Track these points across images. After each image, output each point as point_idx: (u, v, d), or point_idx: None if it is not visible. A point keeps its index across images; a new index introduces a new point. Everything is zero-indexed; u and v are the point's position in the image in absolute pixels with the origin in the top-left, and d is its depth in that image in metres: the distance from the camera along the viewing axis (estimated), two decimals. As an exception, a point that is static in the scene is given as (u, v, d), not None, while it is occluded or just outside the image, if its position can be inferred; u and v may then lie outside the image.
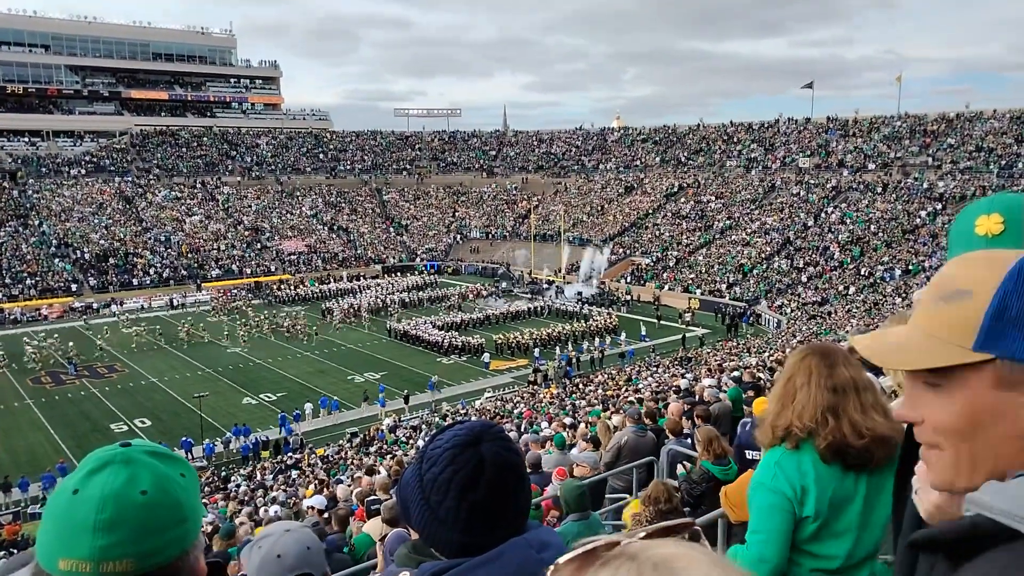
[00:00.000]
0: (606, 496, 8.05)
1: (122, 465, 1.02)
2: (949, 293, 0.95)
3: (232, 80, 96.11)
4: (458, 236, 74.23)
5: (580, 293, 52.11)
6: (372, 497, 9.21)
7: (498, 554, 1.21)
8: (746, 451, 5.72)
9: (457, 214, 78.39)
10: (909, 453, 1.59)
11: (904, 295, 39.53)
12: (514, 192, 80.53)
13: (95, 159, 72.49)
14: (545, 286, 56.00)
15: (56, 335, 43.08)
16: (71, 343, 40.00)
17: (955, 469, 0.96)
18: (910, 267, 44.11)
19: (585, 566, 0.70)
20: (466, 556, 1.23)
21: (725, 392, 10.18)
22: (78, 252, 57.60)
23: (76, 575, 0.95)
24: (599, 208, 70.45)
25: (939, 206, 49.42)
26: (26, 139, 76.45)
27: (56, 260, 56.27)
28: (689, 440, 6.97)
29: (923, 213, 49.40)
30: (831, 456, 2.25)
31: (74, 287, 53.76)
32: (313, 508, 9.73)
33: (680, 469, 6.55)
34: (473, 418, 26.34)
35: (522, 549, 1.23)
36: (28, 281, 52.84)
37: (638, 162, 76.86)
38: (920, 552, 0.91)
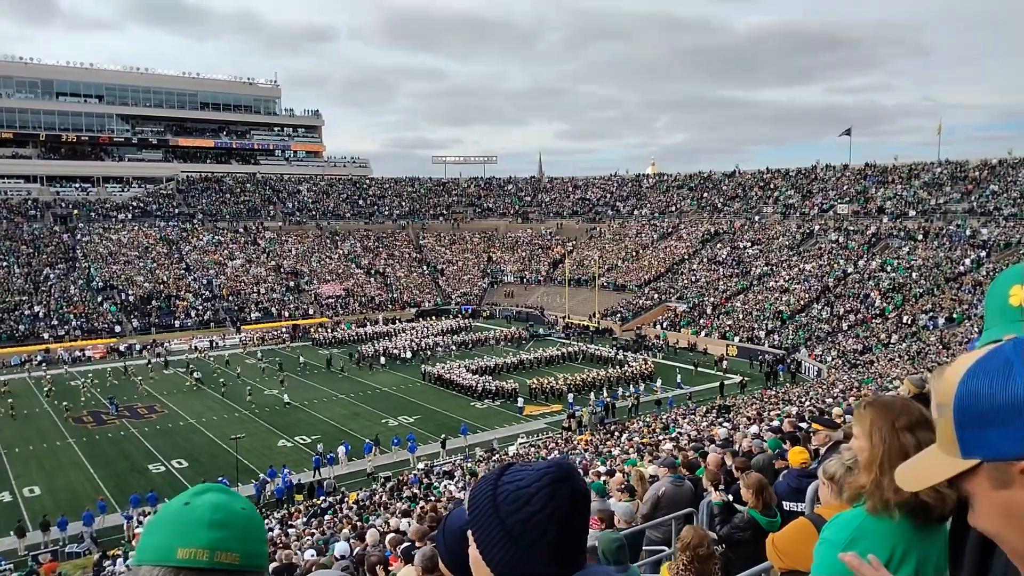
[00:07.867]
0: (643, 548, 7.90)
1: (221, 491, 1.23)
2: (937, 407, 0.99)
3: (276, 129, 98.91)
4: (493, 280, 74.61)
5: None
6: (406, 544, 9.15)
7: None
8: (784, 502, 5.60)
9: (492, 258, 78.94)
10: (963, 509, 1.59)
11: (947, 344, 38.53)
12: (549, 237, 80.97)
13: (142, 204, 74.74)
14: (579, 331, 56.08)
15: (94, 377, 44.06)
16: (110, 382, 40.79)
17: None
18: (954, 315, 43.05)
19: None
20: None
21: (766, 442, 9.99)
22: (123, 294, 59.09)
23: (194, 561, 1.13)
24: (634, 253, 70.37)
25: (983, 253, 48.40)
26: (77, 185, 79.37)
27: (101, 301, 57.78)
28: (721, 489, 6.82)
29: (967, 260, 48.39)
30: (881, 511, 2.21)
31: (117, 328, 55.04)
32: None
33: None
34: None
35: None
36: (74, 322, 54.28)
37: (673, 208, 76.84)
38: None
